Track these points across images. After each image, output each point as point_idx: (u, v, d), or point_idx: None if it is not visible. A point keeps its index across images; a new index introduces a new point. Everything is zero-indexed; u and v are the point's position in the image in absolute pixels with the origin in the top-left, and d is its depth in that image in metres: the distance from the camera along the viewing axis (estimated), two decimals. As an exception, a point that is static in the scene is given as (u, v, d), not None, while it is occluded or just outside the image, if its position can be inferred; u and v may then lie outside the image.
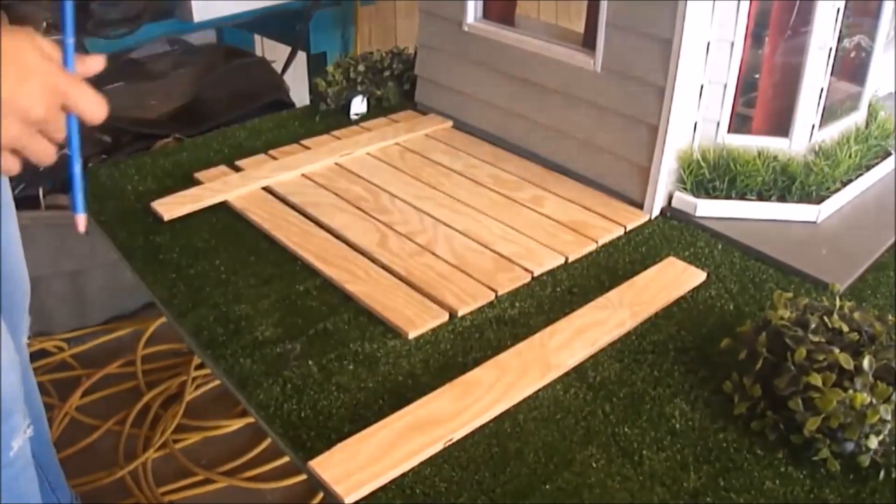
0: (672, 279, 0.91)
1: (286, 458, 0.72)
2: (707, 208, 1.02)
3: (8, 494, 0.93)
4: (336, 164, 1.15)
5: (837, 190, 1.04)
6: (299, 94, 2.13)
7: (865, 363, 0.66)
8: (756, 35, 0.99)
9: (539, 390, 0.75)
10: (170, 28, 1.87)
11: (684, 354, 0.80)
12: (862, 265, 0.95)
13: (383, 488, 0.64)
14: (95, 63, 0.70)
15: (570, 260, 0.95)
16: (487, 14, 1.21)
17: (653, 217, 1.04)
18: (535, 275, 0.92)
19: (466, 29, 1.22)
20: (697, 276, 0.92)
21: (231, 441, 1.69)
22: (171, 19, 1.84)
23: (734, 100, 1.02)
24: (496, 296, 0.88)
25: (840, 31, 1.01)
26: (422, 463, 0.67)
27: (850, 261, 0.95)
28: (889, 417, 0.64)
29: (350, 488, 0.63)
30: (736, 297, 0.89)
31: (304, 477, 1.07)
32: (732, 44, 0.98)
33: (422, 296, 0.87)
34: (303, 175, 1.12)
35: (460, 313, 0.85)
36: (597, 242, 0.98)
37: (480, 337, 0.82)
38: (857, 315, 0.71)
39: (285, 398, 0.74)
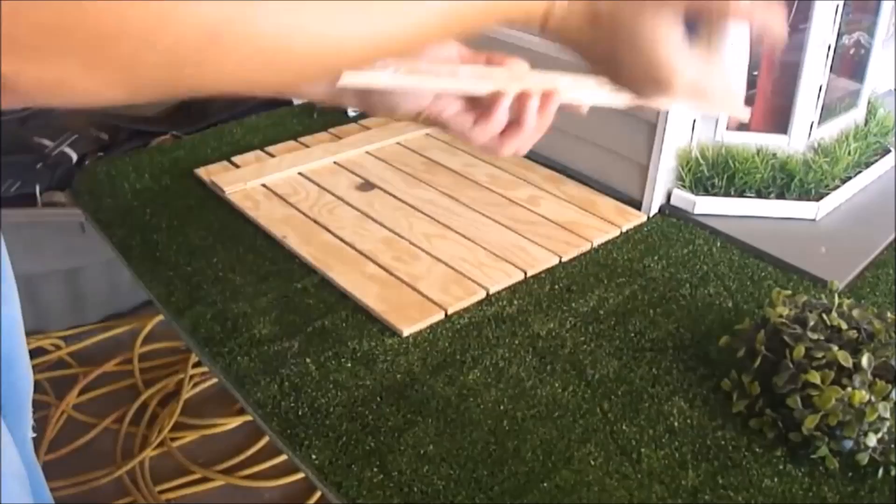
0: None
1: (284, 456, 0.72)
2: (706, 206, 1.02)
3: None
4: (335, 162, 1.15)
5: (836, 187, 1.04)
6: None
7: (864, 361, 0.65)
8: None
9: (536, 387, 0.75)
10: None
11: (683, 352, 0.80)
12: (861, 262, 0.95)
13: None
14: None
15: (564, 259, 0.95)
16: (485, 11, 1.21)
17: (651, 215, 1.04)
18: (529, 274, 0.91)
19: (464, 26, 1.21)
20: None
21: (229, 439, 1.69)
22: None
23: (733, 97, 1.01)
24: (487, 293, 0.88)
25: (839, 28, 1.01)
26: (420, 461, 0.67)
27: (848, 258, 0.95)
28: (888, 415, 0.64)
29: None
30: (734, 295, 0.89)
31: (301, 475, 1.07)
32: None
33: (416, 293, 0.87)
34: (300, 174, 1.12)
35: (451, 311, 0.84)
36: (591, 243, 0.98)
37: (478, 335, 0.82)
38: (855, 312, 0.71)
39: (283, 396, 0.74)
